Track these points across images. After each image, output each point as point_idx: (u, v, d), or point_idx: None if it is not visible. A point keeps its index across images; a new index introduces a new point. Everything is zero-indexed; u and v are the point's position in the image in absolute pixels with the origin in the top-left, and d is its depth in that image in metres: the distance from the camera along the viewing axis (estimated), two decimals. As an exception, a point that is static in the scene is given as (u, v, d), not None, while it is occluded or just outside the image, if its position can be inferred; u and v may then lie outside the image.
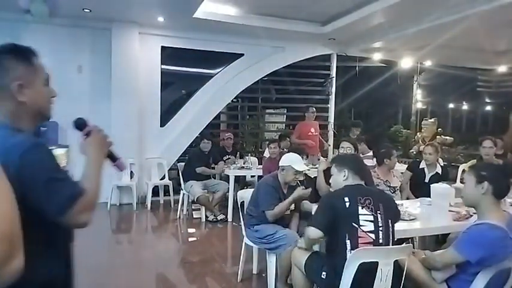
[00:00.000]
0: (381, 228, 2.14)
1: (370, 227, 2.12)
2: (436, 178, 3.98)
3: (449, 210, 3.05)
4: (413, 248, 2.97)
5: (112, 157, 1.36)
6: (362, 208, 2.14)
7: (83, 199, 1.10)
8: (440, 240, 3.34)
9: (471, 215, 2.85)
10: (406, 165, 4.73)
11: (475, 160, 4.33)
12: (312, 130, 6.30)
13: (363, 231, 2.11)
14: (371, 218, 2.13)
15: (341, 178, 2.36)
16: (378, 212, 2.16)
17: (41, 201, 1.07)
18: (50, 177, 1.09)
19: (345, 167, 2.38)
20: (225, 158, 6.12)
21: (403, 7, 5.02)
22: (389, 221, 2.19)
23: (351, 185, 2.31)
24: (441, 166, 4.23)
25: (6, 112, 1.16)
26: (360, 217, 2.12)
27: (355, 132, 6.17)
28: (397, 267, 2.06)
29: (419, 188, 3.88)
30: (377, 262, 1.99)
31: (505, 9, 4.68)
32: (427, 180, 4.03)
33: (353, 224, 2.10)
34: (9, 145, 1.08)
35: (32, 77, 1.19)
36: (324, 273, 2.21)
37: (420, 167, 4.15)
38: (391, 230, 2.19)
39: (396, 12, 5.31)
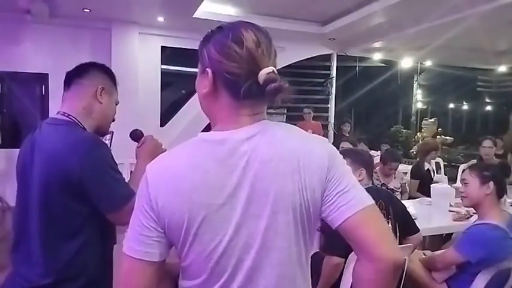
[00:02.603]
0: None
1: None
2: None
3: (450, 210, 3.05)
4: (424, 245, 2.96)
5: None
6: None
7: (132, 201, 1.16)
8: (443, 240, 3.34)
9: (471, 215, 2.85)
10: (406, 165, 4.73)
11: (475, 160, 4.33)
12: (309, 131, 6.28)
13: None
14: None
15: (355, 177, 2.29)
16: (389, 216, 2.10)
17: (99, 195, 1.16)
18: (110, 176, 1.18)
19: (363, 165, 2.19)
20: None
21: (403, 7, 5.01)
22: (397, 224, 2.15)
23: (372, 187, 2.18)
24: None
25: (82, 107, 1.28)
26: None
27: (346, 129, 6.18)
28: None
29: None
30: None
31: (505, 9, 4.67)
32: (433, 176, 4.18)
33: None
34: (78, 139, 1.18)
35: (112, 90, 1.36)
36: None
37: (425, 169, 4.16)
38: (397, 235, 2.12)
39: (396, 12, 5.30)
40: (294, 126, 0.89)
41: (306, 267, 0.85)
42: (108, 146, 1.41)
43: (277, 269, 0.80)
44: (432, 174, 4.20)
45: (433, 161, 4.52)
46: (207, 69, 0.82)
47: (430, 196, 3.44)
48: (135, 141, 1.40)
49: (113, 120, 1.40)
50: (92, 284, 1.23)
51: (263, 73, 0.77)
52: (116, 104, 1.40)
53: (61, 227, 1.18)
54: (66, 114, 1.26)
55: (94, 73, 1.33)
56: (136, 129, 1.42)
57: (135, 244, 0.79)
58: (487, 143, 4.17)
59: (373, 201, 0.83)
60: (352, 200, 0.81)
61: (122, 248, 0.80)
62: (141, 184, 0.81)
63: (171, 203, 0.77)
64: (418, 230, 2.28)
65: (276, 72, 0.78)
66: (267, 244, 0.78)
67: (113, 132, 1.45)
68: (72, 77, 1.31)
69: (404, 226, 2.20)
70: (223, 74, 0.79)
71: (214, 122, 0.86)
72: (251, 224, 0.78)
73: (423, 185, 4.02)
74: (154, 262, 0.79)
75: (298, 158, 0.80)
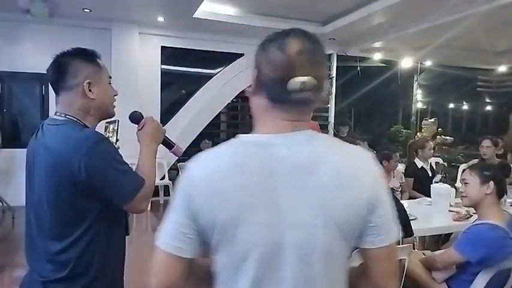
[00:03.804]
0: None
1: None
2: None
3: (449, 210, 3.05)
4: (414, 248, 2.97)
5: (168, 144, 1.44)
6: None
7: (143, 189, 1.23)
8: (443, 240, 3.34)
9: (471, 215, 2.85)
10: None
11: (476, 160, 4.33)
12: None
13: None
14: None
15: None
16: None
17: (108, 190, 1.19)
18: (116, 169, 1.20)
19: None
20: None
21: (403, 7, 5.01)
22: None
23: None
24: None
25: (77, 108, 1.26)
26: None
27: (344, 130, 6.18)
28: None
29: (426, 185, 3.86)
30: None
31: (505, 9, 4.67)
32: (430, 174, 4.17)
33: None
34: (78, 138, 1.19)
35: (99, 76, 1.30)
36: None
37: (419, 167, 4.18)
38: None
39: (396, 12, 5.30)
40: (338, 139, 0.88)
41: (343, 283, 0.85)
42: (110, 138, 1.39)
43: (315, 282, 0.80)
44: (430, 172, 4.20)
45: (433, 160, 4.53)
46: (254, 69, 0.84)
47: (427, 194, 3.46)
48: (135, 123, 1.39)
49: (115, 95, 1.37)
50: (102, 276, 1.25)
51: (293, 81, 0.77)
52: (110, 78, 1.36)
53: (72, 225, 1.20)
54: (63, 114, 1.26)
55: (73, 69, 1.26)
56: (136, 111, 1.40)
57: (169, 238, 0.81)
58: (486, 142, 4.17)
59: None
60: (390, 232, 0.84)
61: (156, 241, 0.82)
62: (181, 181, 0.82)
63: (210, 201, 0.77)
64: (412, 234, 2.31)
65: (312, 82, 0.77)
66: (301, 258, 0.78)
67: (118, 120, 1.43)
68: (55, 82, 1.28)
69: (402, 228, 2.21)
70: (262, 75, 0.81)
71: (256, 123, 0.86)
72: (289, 233, 0.77)
73: (419, 182, 4.04)
74: (185, 258, 0.80)
75: (344, 174, 0.80)
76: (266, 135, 0.81)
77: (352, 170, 0.82)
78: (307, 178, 0.78)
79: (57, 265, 1.20)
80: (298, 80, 0.77)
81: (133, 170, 1.28)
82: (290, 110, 0.81)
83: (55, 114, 1.28)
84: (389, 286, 0.88)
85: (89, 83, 1.26)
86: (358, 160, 0.84)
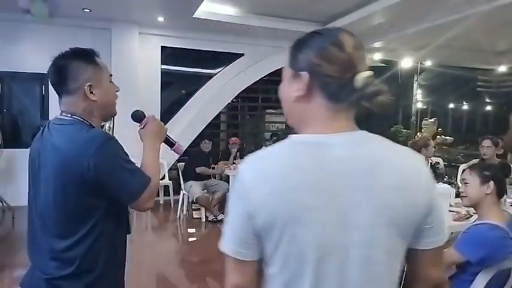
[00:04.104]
0: None
1: None
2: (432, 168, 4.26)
3: (449, 210, 3.05)
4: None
5: (169, 143, 1.47)
6: None
7: (150, 187, 1.25)
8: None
9: (471, 215, 2.85)
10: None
11: (476, 160, 4.33)
12: None
13: None
14: None
15: None
16: None
17: (116, 189, 1.21)
18: (124, 168, 1.22)
19: None
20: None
21: (403, 7, 5.01)
22: None
23: None
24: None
25: (81, 110, 1.28)
26: None
27: None
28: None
29: None
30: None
31: (505, 9, 4.67)
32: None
33: None
34: (86, 138, 1.20)
35: (99, 77, 1.30)
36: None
37: None
38: None
39: (396, 12, 5.30)
40: (389, 140, 0.88)
41: (398, 283, 0.85)
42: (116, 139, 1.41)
43: (378, 283, 0.79)
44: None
45: (433, 159, 4.54)
46: (302, 72, 0.82)
47: None
48: (137, 122, 1.41)
49: (117, 91, 1.38)
50: (107, 273, 1.27)
51: (361, 77, 0.77)
52: (111, 76, 1.36)
53: (78, 223, 1.22)
54: (69, 114, 1.28)
55: (73, 72, 1.26)
56: (138, 110, 1.41)
57: (231, 243, 0.81)
58: (486, 142, 4.18)
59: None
60: (443, 233, 0.86)
61: (221, 246, 0.83)
62: (235, 184, 0.81)
63: (269, 203, 0.76)
64: None
65: (373, 76, 0.78)
66: (365, 259, 0.77)
67: (112, 118, 1.44)
68: (56, 85, 1.29)
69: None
70: (321, 77, 0.80)
71: (306, 125, 0.84)
72: (352, 234, 0.77)
73: None
74: (252, 261, 0.80)
75: (404, 174, 0.80)
76: (321, 135, 0.80)
77: (410, 171, 0.82)
78: (369, 178, 0.77)
79: (63, 262, 1.21)
80: (365, 75, 0.77)
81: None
82: (348, 109, 0.82)
83: (61, 114, 1.30)
84: (440, 277, 0.90)
85: (90, 85, 1.27)
86: (413, 160, 0.85)
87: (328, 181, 0.76)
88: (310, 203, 0.75)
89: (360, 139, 0.81)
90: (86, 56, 1.29)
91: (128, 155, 1.27)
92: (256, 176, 0.79)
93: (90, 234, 1.22)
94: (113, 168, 1.20)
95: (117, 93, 1.38)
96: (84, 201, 1.21)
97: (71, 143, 1.20)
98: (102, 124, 1.51)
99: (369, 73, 0.78)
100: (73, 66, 1.26)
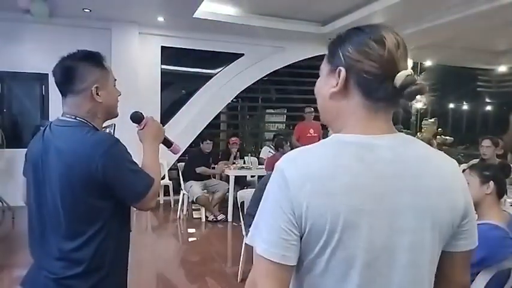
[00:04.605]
0: None
1: None
2: None
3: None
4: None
5: (167, 143, 1.49)
6: None
7: (153, 187, 1.28)
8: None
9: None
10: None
11: (477, 160, 4.33)
12: (311, 131, 6.23)
13: None
14: None
15: None
16: None
17: (123, 190, 1.25)
18: (130, 169, 1.26)
19: None
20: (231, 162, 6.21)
21: (403, 7, 5.02)
22: None
23: None
24: None
25: (86, 111, 1.30)
26: None
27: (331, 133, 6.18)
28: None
29: None
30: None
31: (505, 9, 4.68)
32: None
33: None
34: (93, 141, 1.23)
35: (106, 80, 1.33)
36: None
37: None
38: None
39: (396, 12, 5.30)
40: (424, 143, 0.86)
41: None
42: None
43: (422, 286, 0.79)
44: None
45: None
46: (339, 67, 0.80)
47: None
48: (136, 123, 1.42)
49: (119, 95, 1.40)
50: (113, 272, 1.30)
51: (402, 75, 0.75)
52: (115, 81, 1.38)
53: (87, 224, 1.24)
54: (73, 116, 1.28)
55: (82, 73, 1.28)
56: (137, 111, 1.43)
57: (273, 247, 0.74)
58: (486, 142, 4.17)
59: None
60: (476, 236, 0.86)
61: (257, 250, 0.76)
62: (275, 183, 0.76)
63: (316, 204, 0.72)
64: None
65: (413, 74, 0.76)
66: (412, 262, 0.76)
67: (114, 124, 1.45)
68: (63, 85, 1.29)
69: None
70: (359, 73, 0.77)
71: (342, 123, 0.81)
72: (400, 237, 0.75)
73: None
74: (290, 266, 0.75)
75: (446, 177, 0.80)
76: (366, 136, 0.77)
77: (450, 174, 0.81)
78: (416, 181, 0.76)
79: (71, 262, 1.23)
80: (406, 73, 0.75)
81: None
82: (386, 109, 0.80)
83: (63, 115, 1.30)
84: (467, 281, 0.91)
85: (97, 87, 1.29)
86: (451, 163, 0.84)
87: (377, 184, 0.74)
88: (361, 207, 0.73)
89: (403, 141, 0.80)
90: (95, 58, 1.32)
91: (131, 156, 1.30)
92: (301, 174, 0.74)
93: (98, 234, 1.24)
94: (120, 169, 1.23)
95: (119, 97, 1.41)
96: (92, 202, 1.23)
97: (79, 144, 1.22)
98: (103, 128, 1.51)
99: (409, 71, 0.75)
100: (82, 67, 1.28)
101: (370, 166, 0.74)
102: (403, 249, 0.75)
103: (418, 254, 0.77)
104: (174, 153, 1.55)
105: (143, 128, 1.42)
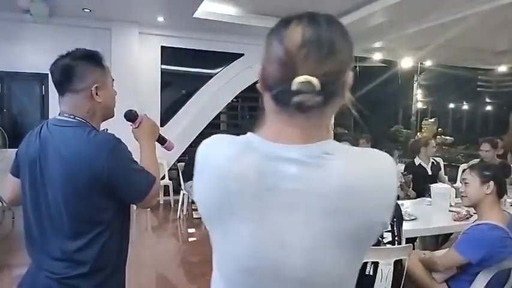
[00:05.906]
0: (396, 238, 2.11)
1: (388, 237, 2.08)
2: (434, 167, 4.24)
3: (449, 210, 3.05)
4: (414, 248, 2.98)
5: (160, 140, 1.49)
6: None
7: (154, 185, 1.29)
8: (442, 239, 3.34)
9: (471, 215, 2.85)
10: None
11: (477, 160, 4.33)
12: None
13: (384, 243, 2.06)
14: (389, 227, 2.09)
15: None
16: (394, 219, 2.10)
17: (126, 189, 1.25)
18: (133, 169, 1.27)
19: None
20: None
21: (403, 7, 5.01)
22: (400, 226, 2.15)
23: None
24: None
25: (85, 111, 1.29)
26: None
27: (364, 144, 6.18)
28: (397, 267, 2.06)
29: (425, 182, 3.89)
30: (377, 262, 1.99)
31: (505, 9, 4.67)
32: (430, 173, 4.18)
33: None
34: (98, 140, 1.23)
35: (105, 80, 1.33)
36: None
37: (416, 164, 4.19)
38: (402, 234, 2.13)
39: (396, 12, 5.30)
40: (362, 149, 0.76)
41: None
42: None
43: None
44: (429, 170, 4.20)
45: (436, 158, 4.55)
46: (258, 65, 0.73)
47: (422, 193, 3.47)
48: (131, 121, 1.42)
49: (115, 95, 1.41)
50: (116, 271, 1.30)
51: (295, 81, 0.64)
52: (113, 81, 1.38)
53: (91, 224, 1.23)
54: (72, 116, 1.27)
55: (81, 72, 1.26)
56: (131, 110, 1.43)
57: None
58: (485, 146, 4.17)
59: None
60: None
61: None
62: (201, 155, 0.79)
63: (207, 196, 0.77)
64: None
65: (314, 83, 0.63)
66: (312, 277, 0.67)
67: (106, 129, 1.44)
68: (61, 83, 1.28)
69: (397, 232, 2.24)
70: (266, 72, 0.70)
71: (264, 122, 0.74)
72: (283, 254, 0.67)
73: (417, 180, 4.03)
74: None
75: (358, 196, 0.66)
76: (273, 144, 0.68)
77: (371, 191, 0.67)
78: (321, 203, 0.65)
79: (75, 263, 1.22)
80: (298, 80, 0.64)
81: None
82: (298, 116, 0.66)
83: (61, 115, 1.28)
84: None
85: (97, 87, 1.28)
86: (381, 177, 0.69)
87: (264, 197, 0.67)
88: (238, 213, 0.70)
89: (316, 154, 0.66)
90: (95, 58, 1.31)
91: (132, 154, 1.29)
92: (204, 162, 0.77)
93: (102, 234, 1.24)
94: (123, 169, 1.24)
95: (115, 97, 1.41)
96: (96, 202, 1.23)
97: (83, 145, 1.21)
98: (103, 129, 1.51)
99: (302, 78, 0.64)
100: (82, 66, 1.27)
101: (263, 177, 0.67)
102: (300, 263, 0.67)
103: (318, 273, 0.67)
104: (168, 150, 1.55)
105: (138, 126, 1.41)
